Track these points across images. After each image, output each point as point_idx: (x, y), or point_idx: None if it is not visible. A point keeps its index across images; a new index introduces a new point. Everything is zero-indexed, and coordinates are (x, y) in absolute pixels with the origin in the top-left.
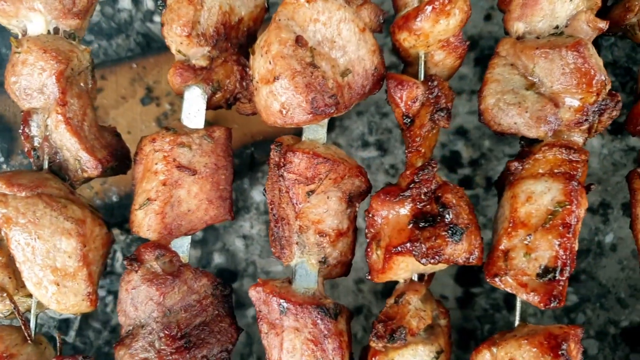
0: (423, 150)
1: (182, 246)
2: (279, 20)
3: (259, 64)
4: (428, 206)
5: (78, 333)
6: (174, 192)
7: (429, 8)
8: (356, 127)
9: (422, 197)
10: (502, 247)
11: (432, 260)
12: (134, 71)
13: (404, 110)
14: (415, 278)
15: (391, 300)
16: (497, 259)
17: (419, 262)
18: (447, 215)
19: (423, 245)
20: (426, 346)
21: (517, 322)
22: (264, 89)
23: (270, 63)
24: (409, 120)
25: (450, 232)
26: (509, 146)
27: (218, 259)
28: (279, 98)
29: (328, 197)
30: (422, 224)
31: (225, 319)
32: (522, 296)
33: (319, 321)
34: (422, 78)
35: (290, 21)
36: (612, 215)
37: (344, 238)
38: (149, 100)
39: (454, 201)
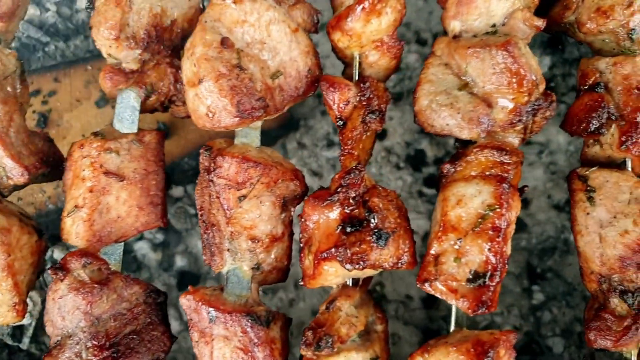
0: (356, 153)
1: (115, 253)
2: (205, 22)
3: (186, 67)
4: (356, 210)
5: (32, 339)
6: (102, 198)
7: (359, 7)
8: (321, 126)
9: (351, 201)
10: (432, 251)
11: (356, 266)
12: (89, 73)
13: (336, 112)
14: (350, 283)
15: (323, 307)
16: (427, 264)
17: (344, 267)
18: (372, 220)
19: (348, 251)
20: (360, 352)
21: (452, 328)
22: (191, 92)
23: (195, 66)
24: (341, 122)
25: (375, 236)
26: None
27: (180, 262)
28: (204, 101)
29: (261, 202)
30: (349, 229)
31: (157, 327)
32: (451, 302)
33: (248, 329)
34: (356, 79)
35: (217, 23)
36: None
37: (278, 243)
38: (104, 103)
39: (381, 205)
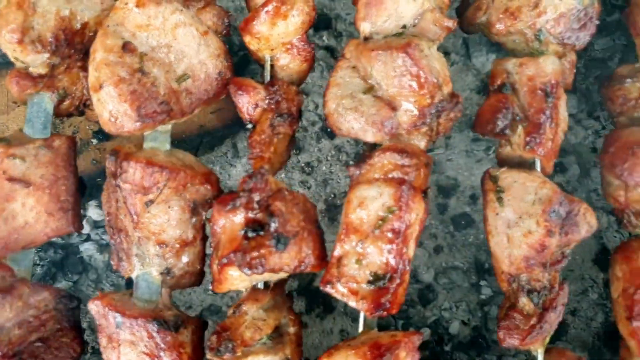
0: (267, 156)
1: (25, 260)
2: (107, 26)
3: (89, 72)
4: (260, 215)
5: None
6: (6, 205)
7: (263, 10)
8: None
9: (255, 205)
10: (336, 253)
11: (255, 271)
12: None
13: (245, 116)
14: (261, 286)
15: (230, 311)
16: (331, 266)
17: (243, 272)
18: (272, 224)
19: (247, 255)
20: (269, 355)
21: (360, 329)
22: (94, 97)
23: (95, 71)
24: (251, 125)
25: (274, 241)
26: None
27: None
28: (106, 106)
29: (169, 207)
30: (250, 234)
31: (67, 334)
32: (352, 304)
33: (155, 334)
34: (267, 82)
35: (120, 27)
36: None
37: (190, 248)
38: None
39: (284, 209)
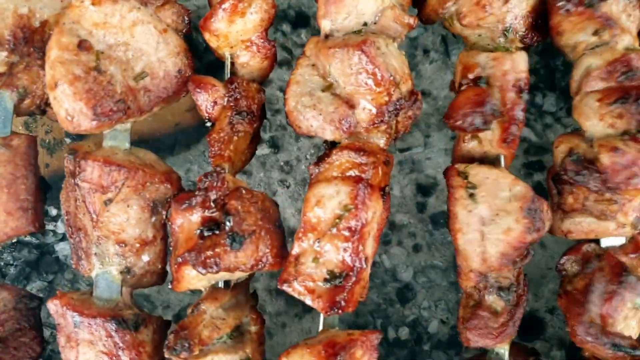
0: (227, 154)
1: None
2: (63, 24)
3: (46, 70)
4: (216, 213)
5: None
6: None
7: (220, 8)
8: None
9: (211, 204)
10: (294, 252)
11: (210, 270)
12: None
13: (204, 114)
14: (221, 285)
15: (189, 310)
16: (288, 265)
17: (198, 271)
18: (227, 223)
19: (201, 255)
20: (229, 354)
21: (320, 328)
22: (51, 96)
23: (51, 69)
24: (210, 124)
25: (229, 240)
26: (401, 141)
27: None
28: (62, 105)
29: (128, 206)
30: (206, 233)
31: (27, 333)
32: (308, 302)
33: (113, 333)
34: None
35: (76, 25)
36: None
37: (150, 247)
38: None
39: (240, 208)
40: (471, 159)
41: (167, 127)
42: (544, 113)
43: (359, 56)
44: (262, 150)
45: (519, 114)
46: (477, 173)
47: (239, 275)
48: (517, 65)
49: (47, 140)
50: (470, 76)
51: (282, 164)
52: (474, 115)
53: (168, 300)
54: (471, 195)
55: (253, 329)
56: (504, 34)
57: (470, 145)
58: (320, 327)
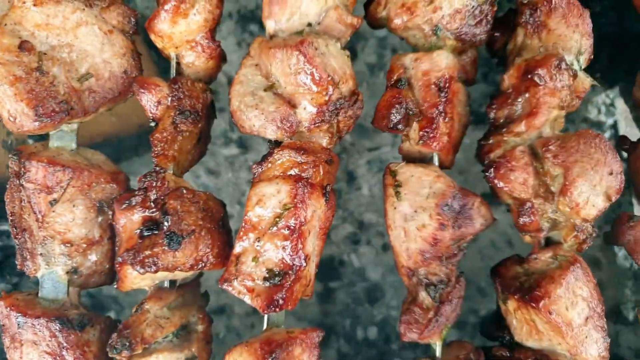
0: (171, 154)
1: None
2: (5, 25)
3: None
4: (157, 213)
5: None
6: None
7: (163, 9)
8: (218, 124)
9: (151, 204)
10: (235, 251)
11: (148, 269)
12: None
13: (149, 113)
14: (167, 284)
15: (134, 309)
16: (230, 264)
17: (136, 270)
18: (165, 223)
19: (139, 254)
20: (174, 353)
21: (264, 326)
22: None
23: None
24: (154, 123)
25: (167, 239)
26: (369, 140)
27: None
28: (5, 106)
29: (74, 206)
30: (146, 232)
31: None
32: (247, 301)
33: (57, 333)
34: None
35: (18, 26)
36: None
37: (97, 247)
38: None
39: (179, 207)
40: (413, 159)
41: (131, 128)
42: None
43: (297, 56)
44: (231, 150)
45: (437, 112)
46: (405, 171)
47: (183, 275)
48: (437, 64)
49: (10, 142)
50: (393, 78)
51: (250, 164)
52: (390, 116)
53: None
54: (397, 193)
55: (200, 328)
56: (434, 34)
57: (406, 146)
58: (265, 326)
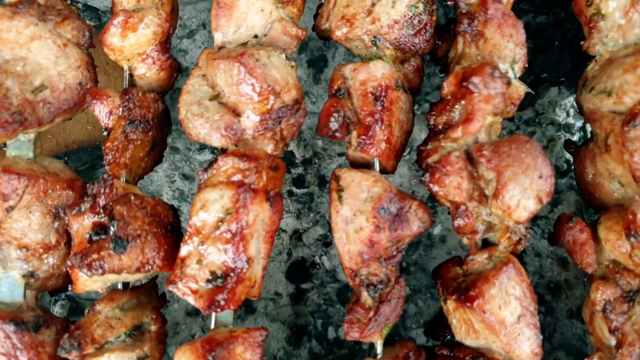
0: (124, 162)
1: None
2: None
3: None
4: (105, 218)
5: None
6: None
7: (112, 23)
8: None
9: (100, 210)
10: (180, 254)
11: (95, 272)
12: None
13: (102, 123)
14: (120, 287)
15: (87, 310)
16: (176, 267)
17: (84, 273)
18: (111, 227)
19: (86, 257)
20: (125, 352)
21: (212, 326)
22: None
23: None
24: (106, 133)
25: (112, 243)
26: (340, 145)
27: None
28: None
29: (30, 212)
30: (94, 237)
31: None
32: (191, 302)
33: (12, 334)
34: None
35: None
36: (440, 208)
37: (53, 251)
38: None
39: (125, 212)
40: (358, 164)
41: (90, 139)
42: None
43: (238, 67)
44: (205, 156)
45: (372, 120)
46: (347, 177)
47: (135, 277)
48: (374, 73)
49: None
50: (334, 87)
51: None
52: (329, 124)
53: None
54: (339, 197)
55: (153, 328)
56: (374, 44)
57: (350, 152)
58: (212, 326)
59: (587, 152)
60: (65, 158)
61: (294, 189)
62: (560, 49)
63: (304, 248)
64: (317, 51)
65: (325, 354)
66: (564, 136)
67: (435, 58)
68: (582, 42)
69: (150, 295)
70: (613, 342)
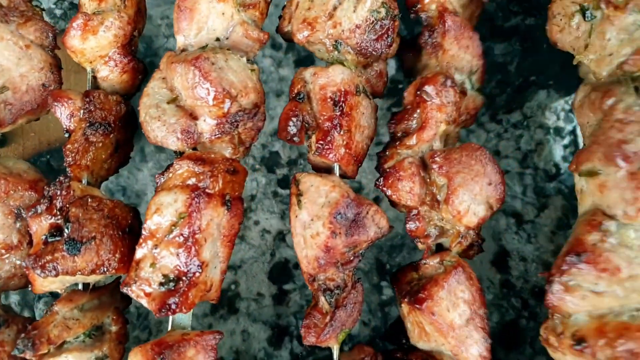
0: (85, 164)
1: None
2: None
3: None
4: (62, 220)
5: None
6: None
7: (72, 25)
8: None
9: (56, 212)
10: (136, 257)
11: (49, 274)
12: None
13: (63, 125)
14: (81, 287)
15: (45, 311)
16: (131, 269)
17: (38, 275)
18: (65, 229)
19: (40, 259)
20: (84, 352)
21: (169, 328)
22: None
23: None
24: (67, 134)
25: (66, 245)
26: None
27: None
28: None
29: None
30: (50, 239)
31: None
32: (144, 304)
33: None
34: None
35: None
36: None
37: (16, 252)
38: None
39: (81, 215)
40: (320, 168)
41: None
42: None
43: (193, 71)
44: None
45: (331, 125)
46: (306, 181)
47: (95, 278)
48: (333, 79)
49: None
50: (294, 91)
51: None
52: (287, 128)
53: None
54: (299, 202)
55: (113, 328)
56: (335, 48)
57: (311, 156)
58: (169, 328)
59: None
60: (48, 156)
61: (279, 190)
62: (549, 51)
63: (287, 249)
64: (304, 51)
65: (306, 355)
66: (554, 140)
67: (404, 69)
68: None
69: (113, 295)
70: None
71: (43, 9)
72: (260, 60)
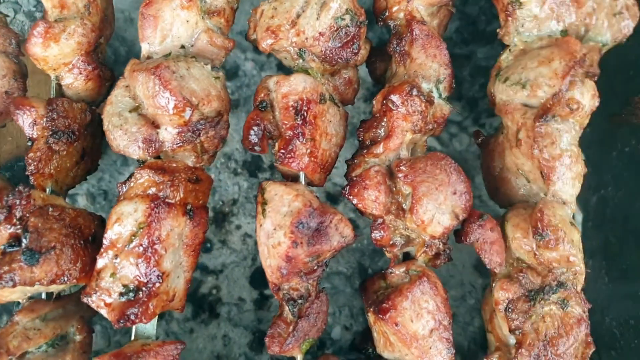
0: (49, 172)
1: None
2: None
3: None
4: (21, 230)
5: None
6: None
7: (33, 33)
8: None
9: (16, 221)
10: (97, 267)
11: (6, 284)
12: None
13: (27, 133)
14: (44, 297)
15: (6, 321)
16: (92, 279)
17: None
18: (24, 240)
19: None
20: None
21: (132, 338)
22: None
23: None
24: (30, 143)
25: (24, 256)
26: None
27: None
28: None
29: None
30: (8, 249)
31: None
32: (104, 314)
33: None
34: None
35: None
36: None
37: None
38: None
39: (40, 224)
40: (287, 176)
41: None
42: (450, 122)
43: (153, 80)
44: None
45: (292, 134)
46: (271, 190)
47: (58, 287)
48: (295, 87)
49: None
50: (258, 100)
51: None
52: (249, 137)
53: None
54: (263, 211)
55: (77, 338)
56: (300, 56)
57: (278, 164)
58: (132, 338)
59: (497, 145)
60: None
61: None
62: None
63: None
64: None
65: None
66: None
67: (374, 76)
68: (497, 30)
69: (78, 304)
70: (512, 341)
71: (7, 16)
72: (243, 64)
